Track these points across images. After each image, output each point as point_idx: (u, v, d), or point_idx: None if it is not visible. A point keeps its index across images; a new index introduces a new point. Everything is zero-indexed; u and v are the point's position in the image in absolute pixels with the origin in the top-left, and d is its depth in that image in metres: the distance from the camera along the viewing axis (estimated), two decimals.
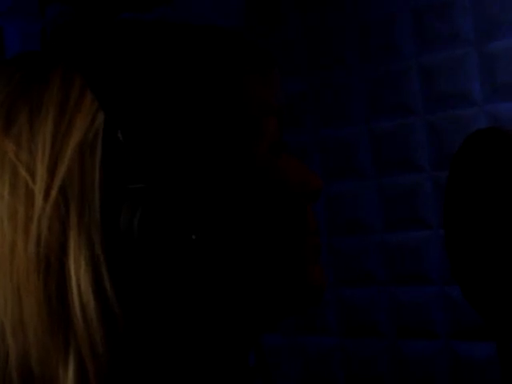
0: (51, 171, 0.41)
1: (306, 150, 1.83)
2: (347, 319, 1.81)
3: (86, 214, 0.41)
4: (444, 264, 1.59)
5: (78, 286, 0.40)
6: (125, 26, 0.47)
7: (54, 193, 0.41)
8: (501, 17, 1.55)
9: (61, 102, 0.42)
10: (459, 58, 1.60)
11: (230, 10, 1.75)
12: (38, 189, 0.41)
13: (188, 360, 0.46)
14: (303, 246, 0.49)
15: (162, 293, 0.42)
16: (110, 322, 0.40)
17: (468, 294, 0.69)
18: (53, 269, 0.40)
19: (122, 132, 0.41)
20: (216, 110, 0.45)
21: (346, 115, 1.79)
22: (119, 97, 0.42)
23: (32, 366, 0.41)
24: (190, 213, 0.41)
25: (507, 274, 0.65)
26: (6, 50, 1.20)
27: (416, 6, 1.66)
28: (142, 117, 0.42)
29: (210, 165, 0.44)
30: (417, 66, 1.67)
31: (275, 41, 1.81)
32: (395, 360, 1.73)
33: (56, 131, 0.42)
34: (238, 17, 1.78)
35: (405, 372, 1.72)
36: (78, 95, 0.43)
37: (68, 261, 0.40)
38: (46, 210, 0.40)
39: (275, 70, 0.50)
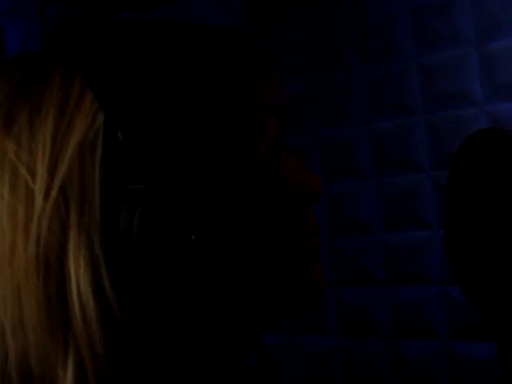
0: (51, 171, 0.41)
1: (306, 150, 1.83)
2: (347, 319, 1.81)
3: (86, 214, 0.41)
4: (444, 264, 1.59)
5: (78, 286, 0.40)
6: (125, 26, 0.47)
7: (54, 193, 0.41)
8: (501, 17, 1.55)
9: (61, 102, 0.42)
10: (459, 57, 1.60)
11: (230, 10, 1.75)
12: (38, 189, 0.41)
13: (188, 360, 0.46)
14: (303, 247, 0.49)
15: (161, 293, 0.42)
16: (110, 323, 0.40)
17: (468, 294, 0.69)
18: (52, 269, 0.40)
19: (122, 132, 0.41)
20: (216, 110, 0.45)
21: (346, 115, 1.79)
22: (119, 97, 0.42)
23: (31, 366, 0.41)
24: (190, 213, 0.41)
25: (507, 274, 0.65)
26: (6, 50, 1.20)
27: (416, 5, 1.66)
28: (142, 117, 0.42)
29: (210, 165, 0.44)
30: (417, 66, 1.67)
31: (275, 41, 1.81)
32: (395, 360, 1.73)
33: (56, 131, 0.42)
34: (238, 17, 1.78)
35: (405, 372, 1.72)
36: (78, 95, 0.43)
37: (68, 261, 0.40)
38: (46, 209, 0.40)
39: (275, 70, 0.50)
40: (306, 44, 1.84)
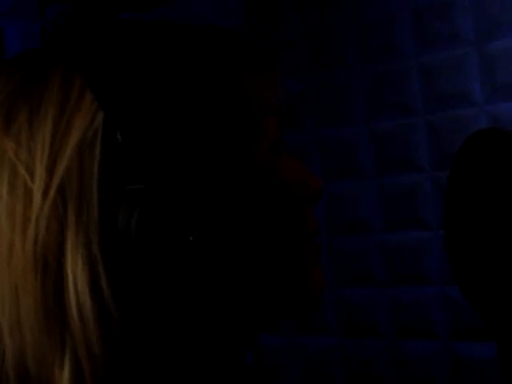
0: (50, 170, 0.41)
1: (306, 150, 1.83)
2: (347, 319, 1.81)
3: (84, 214, 0.41)
4: (444, 264, 1.59)
5: (75, 286, 0.40)
6: (125, 26, 0.47)
7: (52, 192, 0.41)
8: (501, 17, 1.55)
9: (60, 102, 0.42)
10: (459, 57, 1.60)
11: (230, 10, 1.75)
12: (37, 188, 0.41)
13: (186, 360, 0.46)
14: (303, 248, 0.49)
15: (159, 293, 0.42)
16: (107, 323, 0.40)
17: (468, 294, 0.69)
18: (50, 268, 0.40)
19: (121, 132, 0.41)
20: (216, 110, 0.45)
21: (346, 115, 1.79)
22: (119, 97, 0.42)
23: (28, 366, 0.41)
24: (188, 214, 0.41)
25: (507, 275, 0.65)
26: (6, 50, 1.20)
27: (416, 5, 1.66)
28: (142, 117, 0.42)
29: (210, 165, 0.44)
30: (417, 66, 1.67)
31: (275, 41, 1.81)
32: (395, 360, 1.73)
33: (55, 131, 0.42)
34: (238, 17, 1.78)
35: (405, 372, 1.72)
36: (78, 95, 0.42)
37: (65, 260, 0.40)
38: (44, 209, 0.40)
39: (276, 70, 0.50)
40: (305, 44, 1.84)
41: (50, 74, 0.44)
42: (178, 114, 0.43)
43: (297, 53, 1.84)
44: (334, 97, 1.80)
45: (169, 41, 0.46)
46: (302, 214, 0.50)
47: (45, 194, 0.41)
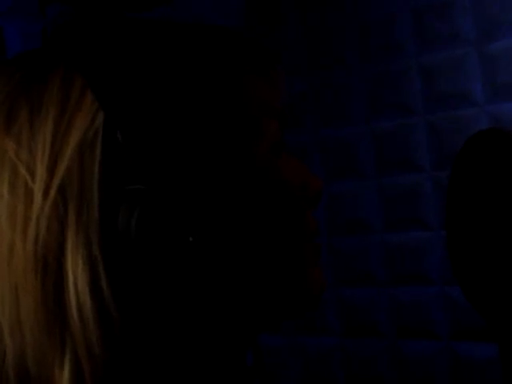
0: (51, 170, 0.41)
1: (306, 150, 1.83)
2: (347, 319, 1.81)
3: (85, 214, 0.41)
4: (444, 264, 1.59)
5: (75, 286, 0.40)
6: (125, 25, 0.47)
7: (53, 192, 0.40)
8: (501, 17, 1.55)
9: (61, 102, 0.42)
10: (459, 57, 1.60)
11: (230, 10, 1.75)
12: (38, 188, 0.41)
13: (186, 360, 0.45)
14: (303, 248, 0.49)
15: (159, 294, 0.42)
16: (107, 323, 0.40)
17: (469, 295, 0.69)
18: (50, 268, 0.40)
19: (122, 132, 0.41)
20: (216, 109, 0.45)
21: (346, 115, 1.79)
22: (119, 97, 0.42)
23: (28, 366, 0.41)
24: (188, 214, 0.41)
25: (509, 275, 0.65)
26: (7, 50, 1.20)
27: (416, 5, 1.66)
28: (142, 117, 0.42)
29: (210, 166, 0.44)
30: (417, 66, 1.67)
31: (275, 41, 1.81)
32: (395, 360, 1.73)
33: (56, 131, 0.42)
34: (238, 17, 1.78)
35: (405, 372, 1.72)
36: (79, 95, 0.42)
37: (66, 261, 0.40)
38: (45, 209, 0.40)
39: (278, 71, 0.50)
40: (306, 44, 1.84)
41: (50, 74, 0.43)
42: (179, 114, 0.43)
43: (297, 53, 1.84)
44: (334, 97, 1.80)
45: (169, 40, 0.46)
46: (302, 214, 0.49)
47: (45, 193, 0.41)
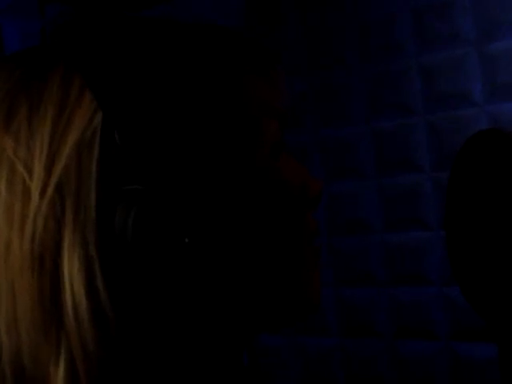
0: (48, 169, 0.41)
1: (306, 150, 1.83)
2: (347, 319, 1.80)
3: (82, 213, 0.41)
4: (444, 264, 1.59)
5: (71, 286, 0.40)
6: (125, 24, 0.46)
7: (50, 190, 0.40)
8: (501, 17, 1.55)
9: (60, 101, 0.42)
10: (459, 57, 1.60)
11: (230, 10, 1.75)
12: (35, 186, 0.41)
13: (183, 360, 0.45)
14: (302, 250, 0.49)
15: (155, 294, 0.42)
16: (102, 323, 0.40)
17: (469, 296, 0.69)
18: (47, 267, 0.40)
19: (119, 132, 0.41)
20: (215, 110, 0.45)
21: (346, 115, 1.79)
22: (118, 97, 0.42)
23: (24, 364, 0.41)
24: (185, 216, 0.41)
25: (508, 276, 0.65)
26: (5, 49, 1.20)
27: (416, 5, 1.66)
28: (140, 117, 0.42)
29: (208, 166, 0.44)
30: (417, 66, 1.67)
31: (275, 41, 1.81)
32: (395, 360, 1.73)
33: (54, 129, 0.42)
34: (238, 17, 1.78)
35: (404, 372, 1.72)
36: (78, 94, 0.42)
37: (62, 260, 0.40)
38: (42, 207, 0.40)
39: (278, 71, 0.50)
40: (306, 44, 1.84)
41: (50, 73, 0.43)
42: (178, 114, 0.43)
43: (297, 53, 1.84)
44: (334, 97, 1.80)
45: (169, 40, 0.46)
46: (302, 214, 0.49)
47: (43, 192, 0.41)
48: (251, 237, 0.46)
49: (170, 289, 0.42)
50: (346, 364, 1.81)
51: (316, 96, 1.83)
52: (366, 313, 1.77)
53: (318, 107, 1.83)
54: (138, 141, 0.42)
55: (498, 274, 0.66)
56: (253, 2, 1.86)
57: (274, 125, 0.48)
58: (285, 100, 0.50)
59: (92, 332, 0.40)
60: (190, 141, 0.43)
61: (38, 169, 0.41)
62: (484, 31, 1.57)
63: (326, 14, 1.80)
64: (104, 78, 0.42)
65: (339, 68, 1.79)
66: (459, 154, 0.70)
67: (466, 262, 0.69)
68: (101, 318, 0.40)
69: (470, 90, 1.59)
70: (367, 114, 1.75)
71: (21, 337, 0.40)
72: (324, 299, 0.51)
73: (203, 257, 0.42)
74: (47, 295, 0.40)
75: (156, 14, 0.49)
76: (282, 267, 0.47)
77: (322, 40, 1.81)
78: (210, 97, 0.45)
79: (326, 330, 1.83)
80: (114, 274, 0.41)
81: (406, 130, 1.69)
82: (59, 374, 0.40)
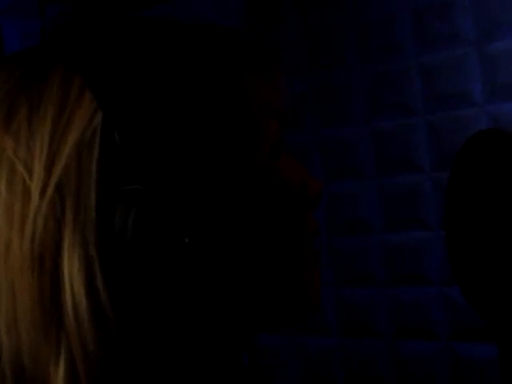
0: (48, 169, 0.41)
1: (306, 150, 1.83)
2: (347, 319, 1.80)
3: (82, 213, 0.41)
4: (444, 264, 1.59)
5: (71, 286, 0.40)
6: (125, 24, 0.46)
7: (50, 190, 0.40)
8: (501, 17, 1.55)
9: (60, 101, 0.42)
10: (459, 57, 1.60)
11: (230, 10, 1.75)
12: (35, 186, 0.41)
13: (182, 360, 0.45)
14: (302, 251, 0.49)
15: (155, 294, 0.42)
16: (102, 323, 0.40)
17: (469, 296, 0.69)
18: (47, 267, 0.40)
19: (119, 132, 0.41)
20: (215, 110, 0.45)
21: (346, 115, 1.79)
22: (118, 97, 0.42)
23: (24, 364, 0.41)
24: (185, 216, 0.41)
25: (508, 276, 0.65)
26: (5, 49, 1.20)
27: (416, 5, 1.66)
28: (140, 117, 0.42)
29: (208, 166, 0.44)
30: (417, 66, 1.67)
31: (275, 41, 1.81)
32: (395, 360, 1.73)
33: (54, 129, 0.42)
34: (238, 17, 1.78)
35: (404, 372, 1.72)
36: (78, 94, 0.42)
37: (62, 260, 0.40)
38: (42, 207, 0.40)
39: (278, 71, 0.50)
40: (306, 44, 1.84)
41: (50, 73, 0.43)
42: (178, 114, 0.43)
43: (297, 53, 1.84)
44: (334, 97, 1.80)
45: (169, 40, 0.46)
46: (302, 215, 0.49)
47: (43, 192, 0.41)
48: (251, 237, 0.46)
49: (170, 289, 0.42)
50: (345, 364, 1.81)
51: (316, 96, 1.83)
52: (366, 313, 1.77)
53: (318, 107, 1.83)
54: (138, 141, 0.41)
55: (498, 274, 0.66)
56: (253, 2, 1.86)
57: (274, 125, 0.48)
58: (285, 100, 0.50)
59: (92, 332, 0.40)
60: (190, 141, 0.43)
61: (38, 169, 0.41)
62: (484, 31, 1.57)
63: (326, 13, 1.80)
64: (104, 78, 0.42)
65: (339, 68, 1.79)
66: (459, 154, 0.70)
67: (466, 262, 0.69)
68: (101, 318, 0.40)
69: (470, 89, 1.59)
70: (367, 114, 1.75)
71: (21, 337, 0.40)
72: (324, 299, 0.51)
73: (203, 257, 0.42)
74: (47, 295, 0.40)
75: (156, 14, 0.49)
76: (282, 267, 0.47)
77: (322, 40, 1.81)
78: (210, 97, 0.45)
79: (326, 329, 1.83)
80: (114, 274, 0.41)
81: (406, 129, 1.69)
82: (59, 374, 0.40)
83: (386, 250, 1.74)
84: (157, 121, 0.42)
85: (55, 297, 0.40)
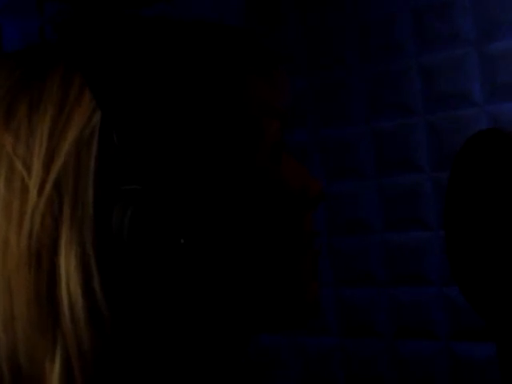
0: (47, 166, 0.41)
1: (306, 150, 1.83)
2: (347, 319, 1.80)
3: (79, 211, 0.41)
4: (444, 264, 1.58)
5: (68, 285, 0.40)
6: (126, 23, 0.46)
7: (48, 187, 0.41)
8: (501, 17, 1.55)
9: (60, 100, 0.42)
10: (459, 58, 1.60)
11: (229, 10, 1.75)
12: (33, 183, 0.41)
13: (180, 360, 0.45)
14: (301, 252, 0.49)
15: (151, 294, 0.42)
16: (98, 322, 0.40)
17: (468, 296, 0.69)
18: (44, 265, 0.40)
19: (117, 132, 0.41)
20: (215, 110, 0.45)
21: (346, 115, 1.79)
22: (117, 96, 0.42)
23: (20, 361, 0.41)
24: (182, 217, 0.41)
25: (507, 276, 0.65)
26: (5, 48, 1.20)
27: (416, 5, 1.66)
28: (140, 117, 0.42)
29: (207, 167, 0.44)
30: (417, 66, 1.67)
31: (275, 41, 1.80)
32: (395, 360, 1.73)
33: (54, 127, 0.42)
34: (238, 17, 1.78)
35: (404, 372, 1.72)
36: (78, 93, 0.42)
37: (59, 258, 0.40)
38: (40, 205, 0.40)
39: (280, 71, 0.50)
40: (305, 44, 1.84)
41: (50, 72, 0.44)
42: (177, 114, 0.43)
43: (297, 53, 1.84)
44: (334, 97, 1.80)
45: (169, 39, 0.46)
46: (302, 215, 0.49)
47: (41, 189, 0.41)
48: (249, 237, 0.45)
49: (165, 289, 0.42)
50: (345, 364, 1.81)
51: (316, 96, 1.83)
52: (366, 313, 1.77)
53: (318, 107, 1.83)
54: (137, 141, 0.41)
55: (498, 274, 0.66)
56: (253, 2, 1.86)
57: (275, 125, 0.48)
58: (286, 100, 0.49)
59: (87, 331, 0.40)
60: (190, 141, 0.43)
61: (37, 166, 0.41)
62: (484, 31, 1.57)
63: (326, 13, 1.80)
64: (103, 78, 0.42)
65: (339, 68, 1.79)
66: (459, 154, 0.70)
67: (465, 262, 0.69)
68: (96, 317, 0.40)
69: (470, 90, 1.59)
70: (367, 113, 1.75)
71: (17, 334, 0.40)
72: (324, 299, 0.51)
73: (200, 257, 0.42)
74: (43, 293, 0.40)
75: (156, 13, 0.49)
76: (280, 267, 0.47)
77: (322, 40, 1.81)
78: (210, 97, 0.45)
79: (326, 329, 1.83)
80: (111, 272, 0.41)
81: (406, 130, 1.69)
82: (55, 372, 0.40)
83: (385, 250, 1.74)
84: (156, 121, 0.42)
85: (51, 295, 0.40)
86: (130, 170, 0.41)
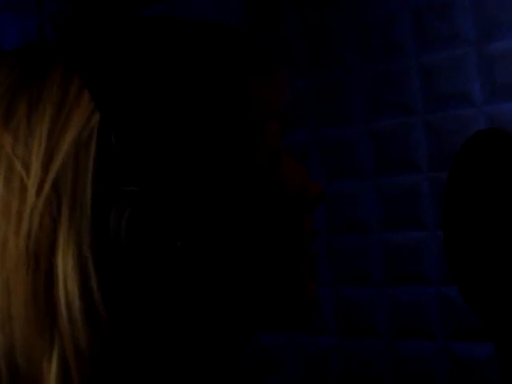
0: (45, 166, 0.41)
1: (306, 150, 1.83)
2: (346, 319, 1.80)
3: (77, 211, 0.41)
4: (443, 264, 1.59)
5: (65, 285, 0.40)
6: (125, 23, 0.46)
7: (46, 187, 0.41)
8: (501, 17, 1.55)
9: (59, 99, 0.42)
10: (459, 58, 1.60)
11: (229, 10, 1.75)
12: (32, 184, 0.41)
13: (177, 361, 0.45)
14: (299, 253, 0.49)
15: (148, 295, 0.42)
16: (95, 322, 0.40)
17: (467, 296, 0.69)
18: (41, 265, 0.40)
19: (116, 134, 0.41)
20: (215, 111, 0.45)
21: (346, 115, 1.79)
22: (116, 98, 0.42)
23: (18, 361, 0.41)
24: (179, 219, 0.41)
25: (507, 276, 0.65)
26: (4, 46, 1.20)
27: (416, 5, 1.66)
28: (138, 119, 0.42)
29: (206, 168, 0.44)
30: (417, 66, 1.67)
31: (275, 41, 1.80)
32: (394, 360, 1.73)
33: (53, 127, 0.42)
34: (238, 17, 1.78)
35: (404, 372, 1.72)
36: (77, 93, 0.42)
37: (57, 258, 0.40)
38: (38, 205, 0.40)
39: (280, 72, 0.50)
40: (305, 44, 1.84)
41: (50, 71, 0.43)
42: (177, 115, 0.43)
43: (297, 53, 1.84)
44: (334, 97, 1.80)
45: (169, 39, 0.46)
46: (301, 217, 0.49)
47: (39, 189, 0.41)
48: (248, 238, 0.45)
49: (163, 290, 0.42)
50: (345, 364, 1.81)
51: (316, 96, 1.83)
52: (366, 313, 1.77)
53: (318, 107, 1.83)
54: (135, 142, 0.41)
55: (497, 274, 0.66)
56: (253, 2, 1.86)
57: (275, 126, 0.48)
58: (285, 101, 0.49)
59: (85, 331, 0.40)
60: (188, 143, 0.43)
61: (36, 166, 0.41)
62: (484, 31, 1.57)
63: (326, 13, 1.80)
64: (102, 79, 0.42)
65: (339, 68, 1.79)
66: (458, 154, 0.70)
67: (464, 262, 0.69)
68: (93, 318, 0.40)
69: (470, 90, 1.59)
70: (367, 113, 1.75)
71: (14, 334, 0.41)
72: (323, 299, 0.51)
73: (197, 259, 0.42)
74: (41, 293, 0.40)
75: (155, 13, 0.49)
76: (279, 268, 0.47)
77: (322, 40, 1.81)
78: (210, 97, 0.45)
79: (325, 329, 1.83)
80: (108, 273, 0.41)
81: (406, 129, 1.69)
82: (52, 372, 0.40)
83: (385, 250, 1.74)
84: (154, 122, 0.42)
85: (49, 295, 0.40)
86: (128, 172, 0.41)
